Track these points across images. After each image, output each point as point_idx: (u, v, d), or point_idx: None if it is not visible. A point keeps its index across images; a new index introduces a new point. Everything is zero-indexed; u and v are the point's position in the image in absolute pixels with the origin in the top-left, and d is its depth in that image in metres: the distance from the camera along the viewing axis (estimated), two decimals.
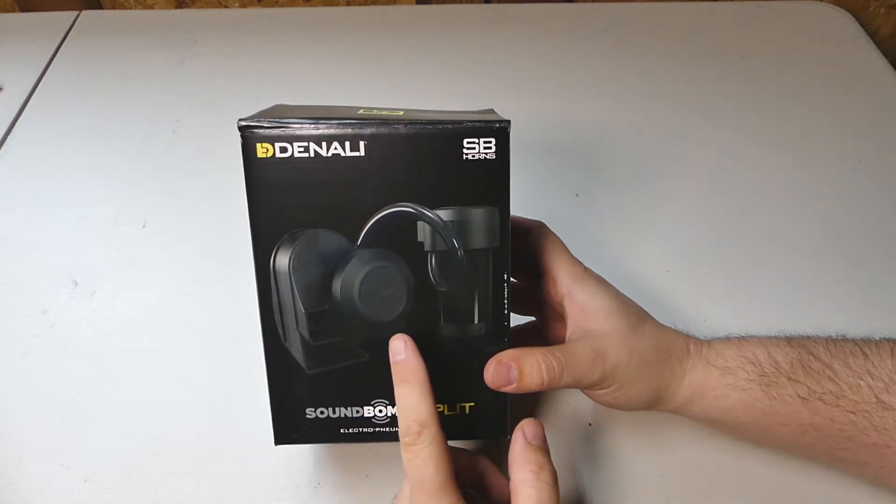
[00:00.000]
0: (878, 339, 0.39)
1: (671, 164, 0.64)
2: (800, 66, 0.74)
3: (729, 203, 0.60)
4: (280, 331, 0.37)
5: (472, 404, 0.39)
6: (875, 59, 0.75)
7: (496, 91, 0.71)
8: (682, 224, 0.59)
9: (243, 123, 0.34)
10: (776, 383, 0.38)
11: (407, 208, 0.35)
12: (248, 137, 0.34)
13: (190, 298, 0.53)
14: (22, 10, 0.81)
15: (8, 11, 0.81)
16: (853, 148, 0.65)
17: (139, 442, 0.45)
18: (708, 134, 0.67)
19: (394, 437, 0.39)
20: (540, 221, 0.42)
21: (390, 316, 0.37)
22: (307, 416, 0.38)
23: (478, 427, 0.39)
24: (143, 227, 0.58)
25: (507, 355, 0.37)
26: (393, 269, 0.36)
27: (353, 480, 0.43)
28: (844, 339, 0.40)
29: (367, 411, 0.38)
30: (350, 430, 0.39)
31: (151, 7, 0.82)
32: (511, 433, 0.36)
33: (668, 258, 0.56)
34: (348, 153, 0.35)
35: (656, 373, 0.39)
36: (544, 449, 0.35)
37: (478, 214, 0.36)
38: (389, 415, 0.39)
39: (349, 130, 0.34)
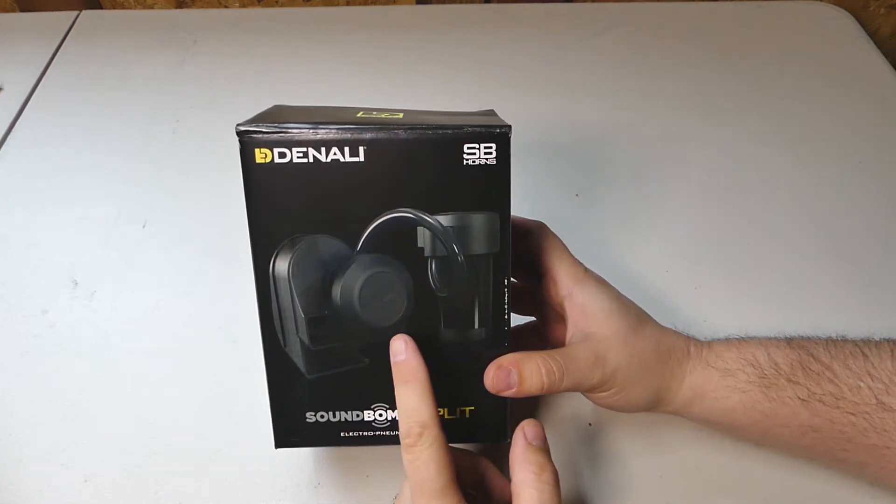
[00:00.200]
0: (878, 339, 0.39)
1: (671, 164, 0.64)
2: (800, 66, 0.74)
3: (729, 203, 0.60)
4: (280, 336, 0.37)
5: (473, 408, 0.39)
6: (875, 59, 0.74)
7: (496, 91, 0.71)
8: (682, 224, 0.59)
9: (242, 128, 0.34)
10: (776, 385, 0.38)
11: (407, 214, 0.35)
12: (247, 143, 0.34)
13: (190, 298, 0.53)
14: (22, 10, 0.81)
15: (8, 11, 0.81)
16: (853, 148, 0.65)
17: (139, 442, 0.45)
18: (708, 134, 0.67)
19: (394, 440, 0.39)
20: (540, 222, 0.42)
21: (390, 321, 0.37)
22: (307, 420, 0.38)
23: (478, 431, 0.39)
24: (143, 227, 0.58)
25: (506, 359, 0.37)
26: (393, 274, 0.36)
27: (353, 481, 0.43)
28: (844, 340, 0.40)
29: (368, 415, 0.38)
30: (350, 434, 0.39)
31: (151, 7, 0.82)
32: (511, 437, 0.36)
33: (668, 258, 0.56)
34: (348, 158, 0.34)
35: (656, 375, 0.39)
36: (545, 450, 0.35)
37: (478, 220, 0.36)
38: (390, 419, 0.39)
39: (348, 136, 0.34)
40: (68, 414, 0.47)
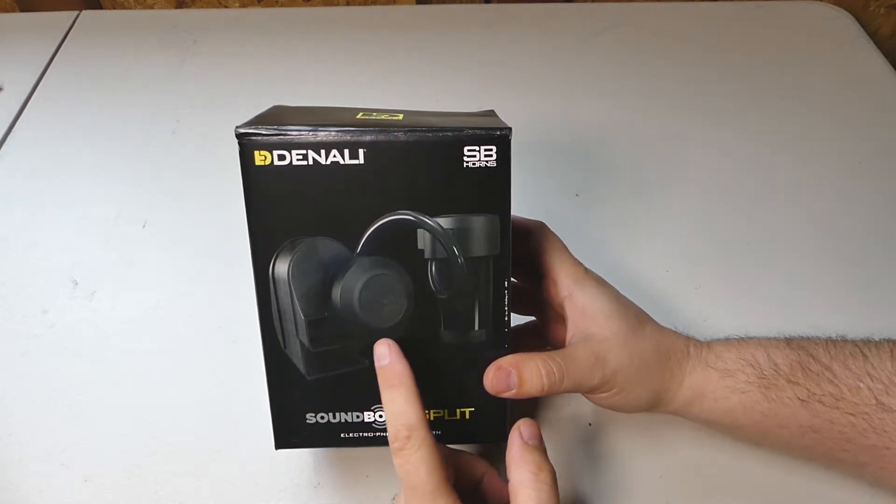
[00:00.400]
0: (878, 340, 0.39)
1: (671, 164, 0.64)
2: (800, 66, 0.74)
3: (729, 203, 0.60)
4: (280, 338, 0.37)
5: (472, 409, 0.39)
6: (875, 59, 0.74)
7: (496, 91, 0.71)
8: (682, 224, 0.59)
9: (241, 130, 0.34)
10: (775, 385, 0.38)
11: (407, 216, 0.35)
12: (246, 145, 0.34)
13: (190, 298, 0.53)
14: (22, 10, 0.81)
15: (8, 11, 0.81)
16: (853, 148, 0.65)
17: (139, 442, 0.45)
18: (708, 134, 0.67)
19: None
20: (540, 222, 0.42)
21: (390, 323, 0.37)
22: (307, 421, 0.39)
23: (478, 432, 0.39)
24: (143, 227, 0.58)
25: (506, 361, 0.37)
26: (393, 276, 0.36)
27: (352, 481, 0.43)
28: (844, 341, 0.40)
29: (368, 416, 0.38)
30: (350, 435, 0.39)
31: (151, 7, 0.82)
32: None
33: (668, 258, 0.56)
34: (347, 161, 0.34)
35: (656, 375, 0.39)
36: (542, 449, 0.35)
37: (478, 222, 0.36)
38: None
39: (348, 138, 0.34)
40: (68, 414, 0.47)
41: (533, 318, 0.46)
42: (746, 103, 0.70)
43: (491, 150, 0.35)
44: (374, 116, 0.37)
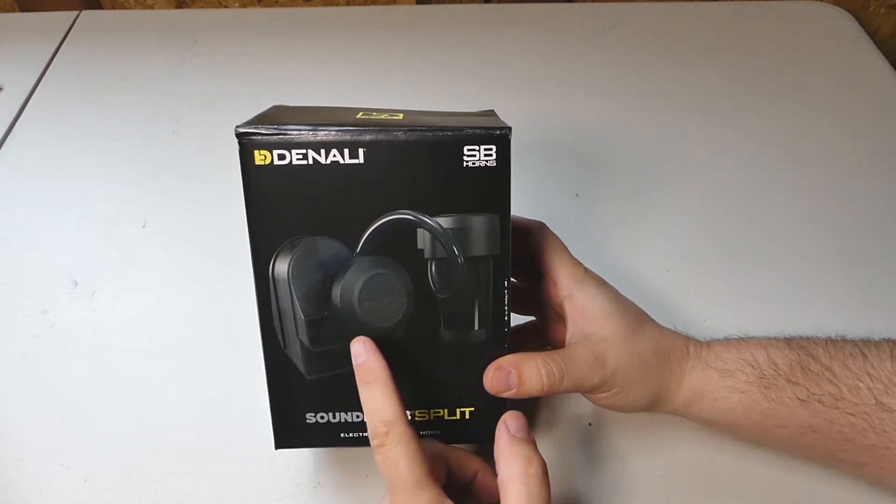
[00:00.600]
0: (877, 340, 0.39)
1: (671, 164, 0.64)
2: (800, 66, 0.74)
3: (729, 203, 0.60)
4: (280, 337, 0.37)
5: (472, 409, 0.39)
6: (875, 59, 0.74)
7: (496, 91, 0.71)
8: (682, 224, 0.59)
9: (241, 130, 0.34)
10: (775, 385, 0.38)
11: (406, 216, 0.35)
12: (246, 144, 0.34)
13: (190, 298, 0.53)
14: (22, 10, 0.81)
15: (8, 11, 0.81)
16: (853, 148, 0.65)
17: (139, 442, 0.45)
18: (708, 134, 0.67)
19: None
20: (540, 222, 0.42)
21: (390, 322, 0.37)
22: (307, 421, 0.39)
23: (477, 432, 0.40)
24: (143, 227, 0.58)
25: (506, 361, 0.37)
26: (392, 276, 0.36)
27: (352, 481, 0.43)
28: (844, 340, 0.40)
29: (366, 423, 0.38)
30: (350, 435, 0.39)
31: (151, 7, 0.82)
32: None
33: (668, 258, 0.56)
34: (347, 160, 0.34)
35: (656, 375, 0.39)
36: (530, 441, 0.34)
37: (478, 222, 0.36)
38: None
39: (348, 137, 0.34)
40: (68, 414, 0.47)
41: (533, 318, 0.46)
42: (746, 103, 0.70)
43: (491, 149, 0.35)
44: (374, 116, 0.37)
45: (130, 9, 0.82)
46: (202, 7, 0.82)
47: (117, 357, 0.50)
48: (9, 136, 0.66)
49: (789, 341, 0.40)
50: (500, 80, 0.72)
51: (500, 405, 0.39)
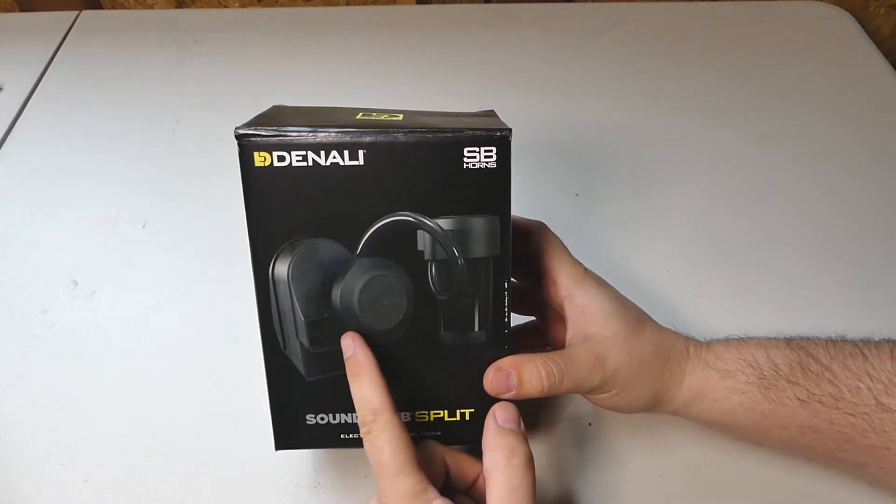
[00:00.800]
0: (877, 340, 0.39)
1: (671, 164, 0.64)
2: (800, 66, 0.74)
3: (729, 203, 0.60)
4: (280, 339, 0.37)
5: (472, 410, 0.39)
6: (875, 59, 0.74)
7: (496, 91, 0.71)
8: (682, 224, 0.59)
9: (241, 131, 0.34)
10: (775, 386, 0.38)
11: (407, 217, 0.35)
12: (246, 146, 0.34)
13: (190, 298, 0.53)
14: (22, 10, 0.81)
15: (8, 11, 0.81)
16: (853, 148, 0.65)
17: (139, 442, 0.45)
18: (708, 134, 0.67)
19: None
20: (540, 222, 0.42)
21: (390, 324, 0.37)
22: (307, 423, 0.38)
23: (477, 433, 0.39)
24: (143, 227, 0.58)
25: (506, 362, 0.37)
26: (392, 277, 0.36)
27: (352, 481, 0.43)
28: (844, 341, 0.40)
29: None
30: (350, 436, 0.39)
31: (151, 7, 0.82)
32: None
33: (668, 258, 0.56)
34: (347, 162, 0.34)
35: (656, 376, 0.39)
36: (518, 432, 0.35)
37: (478, 223, 0.36)
38: None
39: (348, 139, 0.34)
40: (68, 414, 0.47)
41: (533, 318, 0.46)
42: (746, 103, 0.70)
43: (491, 151, 0.35)
44: (374, 117, 0.37)
45: (130, 9, 0.82)
46: (202, 7, 0.82)
47: (117, 357, 0.50)
48: (9, 136, 0.66)
49: (789, 341, 0.40)
50: (500, 80, 0.72)
51: None
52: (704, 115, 0.68)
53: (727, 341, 0.41)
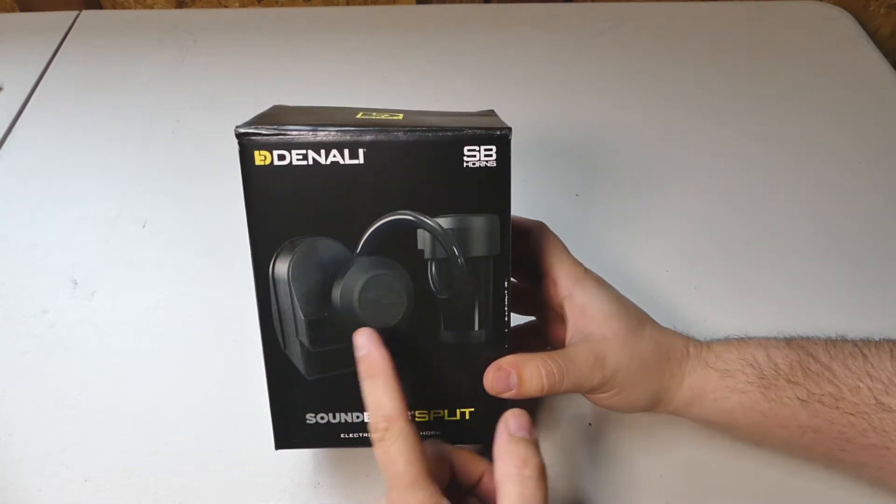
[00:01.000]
0: (877, 340, 0.39)
1: (671, 164, 0.64)
2: (800, 66, 0.74)
3: (729, 203, 0.60)
4: (280, 338, 0.37)
5: (472, 409, 0.39)
6: (875, 59, 0.74)
7: (496, 91, 0.71)
8: (682, 224, 0.59)
9: (241, 130, 0.34)
10: (775, 385, 0.38)
11: (406, 216, 0.35)
12: (246, 145, 0.34)
13: (190, 298, 0.53)
14: (22, 10, 0.81)
15: (8, 11, 0.81)
16: (853, 148, 0.65)
17: (139, 442, 0.45)
18: (708, 134, 0.67)
19: None
20: (540, 222, 0.42)
21: (390, 323, 0.37)
22: (307, 422, 0.38)
23: (477, 432, 0.39)
24: (143, 227, 0.58)
25: (506, 361, 0.37)
26: (393, 276, 0.36)
27: (352, 480, 0.43)
28: (844, 340, 0.40)
29: (367, 416, 0.38)
30: (350, 435, 0.39)
31: (151, 7, 0.82)
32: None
33: (668, 258, 0.56)
34: (347, 161, 0.34)
35: (656, 375, 0.39)
36: (531, 441, 0.34)
37: (478, 222, 0.36)
38: None
39: (348, 138, 0.34)
40: (68, 414, 0.47)
41: (533, 318, 0.46)
42: (746, 103, 0.70)
43: (491, 149, 0.35)
44: (374, 116, 0.37)
45: (130, 9, 0.82)
46: (202, 7, 0.82)
47: (117, 357, 0.50)
48: (9, 136, 0.66)
49: (789, 341, 0.40)
50: (500, 80, 0.72)
51: (500, 406, 0.39)
52: (704, 115, 0.68)
53: (727, 341, 0.41)
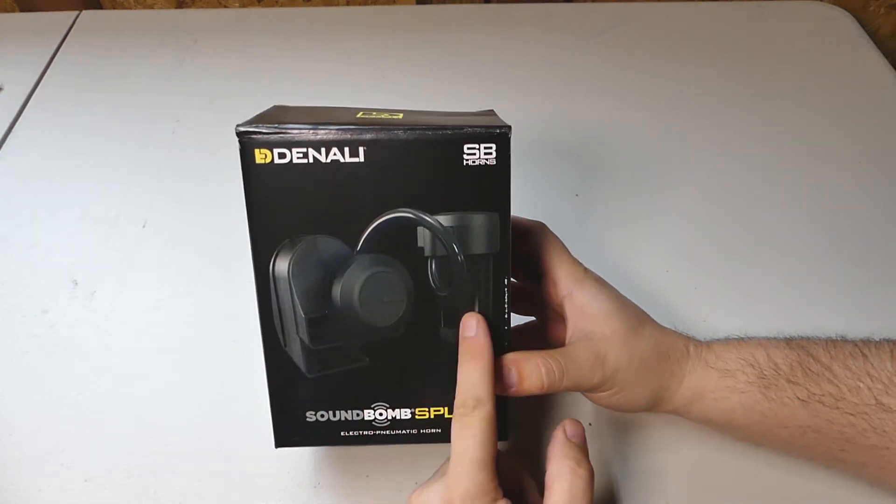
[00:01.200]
0: (877, 340, 0.39)
1: (671, 164, 0.64)
2: (800, 66, 0.74)
3: (729, 203, 0.60)
4: (280, 336, 0.37)
5: None
6: (875, 59, 0.74)
7: (496, 91, 0.71)
8: (682, 224, 0.59)
9: (241, 129, 0.34)
10: (775, 385, 0.38)
11: (407, 214, 0.35)
12: (247, 143, 0.34)
13: (190, 298, 0.53)
14: (22, 10, 0.81)
15: (8, 11, 0.81)
16: (853, 148, 0.65)
17: (139, 442, 0.45)
18: (708, 134, 0.67)
19: (394, 440, 0.39)
20: (540, 222, 0.42)
21: (390, 321, 0.37)
22: (307, 420, 0.38)
23: None
24: (143, 227, 0.58)
25: (506, 359, 0.37)
26: (393, 274, 0.36)
27: (352, 480, 0.43)
28: (844, 341, 0.40)
29: (368, 414, 0.38)
30: (350, 433, 0.39)
31: (151, 7, 0.82)
32: (509, 436, 0.37)
33: (668, 258, 0.56)
34: (347, 159, 0.34)
35: (656, 375, 0.39)
36: (584, 447, 0.36)
37: (478, 220, 0.36)
38: (390, 418, 0.39)
39: (348, 136, 0.34)
40: (68, 414, 0.47)
41: (533, 318, 0.46)
42: (746, 103, 0.70)
43: (491, 147, 0.35)
44: (374, 116, 0.37)
45: (130, 9, 0.82)
46: (202, 7, 0.82)
47: (117, 357, 0.50)
48: (9, 136, 0.66)
49: (789, 341, 0.40)
50: (500, 80, 0.72)
51: (500, 403, 0.39)
52: (704, 115, 0.68)
53: (727, 341, 0.41)
